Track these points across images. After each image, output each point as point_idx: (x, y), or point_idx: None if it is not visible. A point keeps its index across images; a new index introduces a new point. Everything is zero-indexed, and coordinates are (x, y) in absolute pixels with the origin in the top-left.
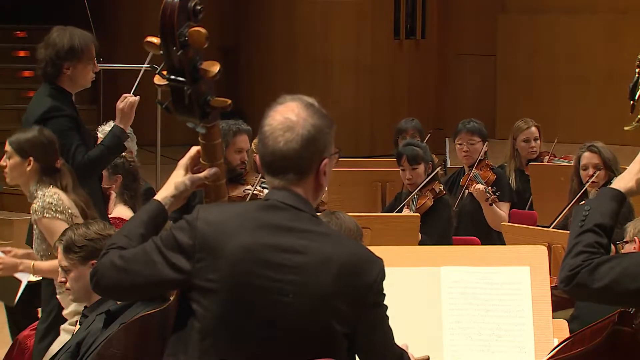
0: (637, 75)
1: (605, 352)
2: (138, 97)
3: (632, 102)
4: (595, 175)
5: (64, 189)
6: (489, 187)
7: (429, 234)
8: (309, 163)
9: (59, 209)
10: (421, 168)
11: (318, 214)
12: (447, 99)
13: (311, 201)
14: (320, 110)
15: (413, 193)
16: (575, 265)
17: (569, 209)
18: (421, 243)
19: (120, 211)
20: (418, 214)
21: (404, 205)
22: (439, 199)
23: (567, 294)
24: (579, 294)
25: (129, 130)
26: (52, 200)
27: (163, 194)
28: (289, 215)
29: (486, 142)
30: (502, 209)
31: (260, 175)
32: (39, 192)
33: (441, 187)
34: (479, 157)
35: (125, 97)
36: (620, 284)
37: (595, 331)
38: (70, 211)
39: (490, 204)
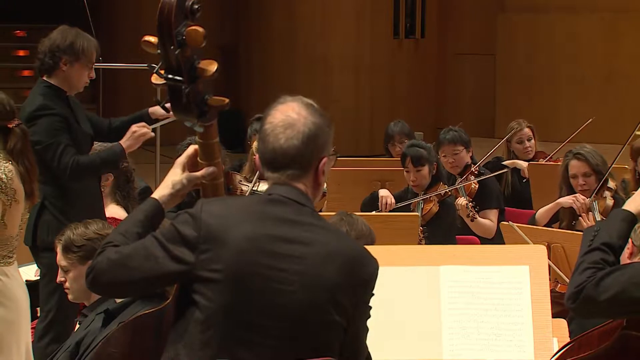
0: None
1: (614, 355)
2: (153, 134)
3: None
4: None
5: (11, 149)
6: (470, 203)
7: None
8: (309, 160)
9: (3, 189)
10: (425, 169)
11: (327, 214)
12: (446, 99)
13: (311, 198)
14: (319, 110)
15: (418, 199)
16: (580, 281)
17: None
18: None
19: (113, 211)
20: (417, 214)
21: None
22: (443, 202)
23: (574, 312)
24: (587, 310)
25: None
26: (2, 177)
27: (160, 193)
28: (292, 209)
29: (470, 149)
30: (490, 217)
31: (257, 174)
32: None
33: (445, 188)
34: (466, 163)
35: (144, 126)
36: (626, 293)
37: (602, 334)
38: (15, 195)
39: (471, 220)
